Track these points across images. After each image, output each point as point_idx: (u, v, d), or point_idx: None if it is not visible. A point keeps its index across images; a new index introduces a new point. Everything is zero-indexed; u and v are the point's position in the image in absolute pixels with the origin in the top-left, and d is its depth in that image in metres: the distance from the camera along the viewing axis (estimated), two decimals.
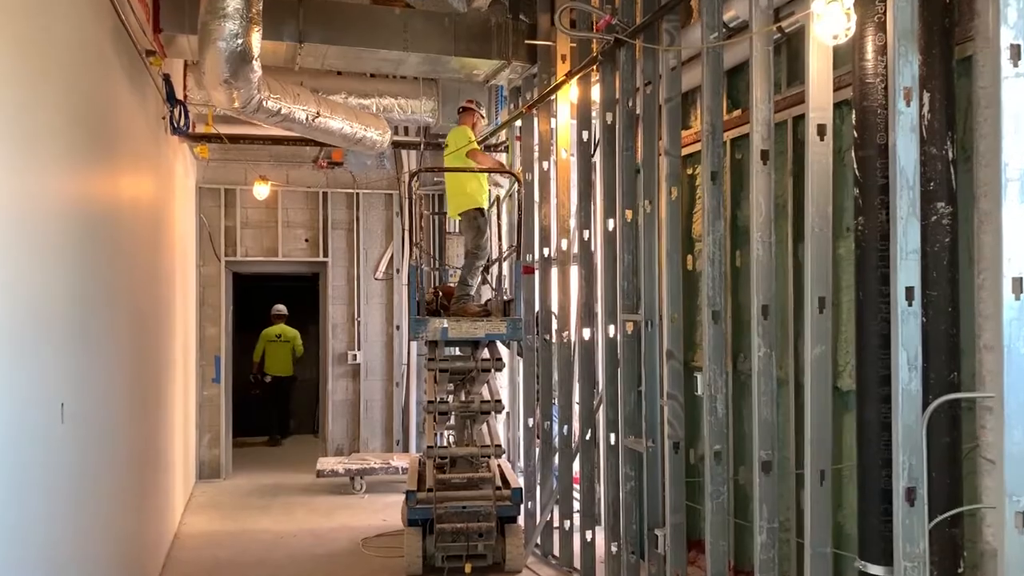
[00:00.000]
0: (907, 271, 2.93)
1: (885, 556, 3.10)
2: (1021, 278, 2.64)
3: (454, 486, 6.07)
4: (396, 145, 8.92)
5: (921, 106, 2.98)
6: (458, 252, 9.06)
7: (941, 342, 3.01)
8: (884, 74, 3.19)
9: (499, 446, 6.16)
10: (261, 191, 9.09)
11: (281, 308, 12.20)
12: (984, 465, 3.22)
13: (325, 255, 9.96)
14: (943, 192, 3.03)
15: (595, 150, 5.91)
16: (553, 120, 6.53)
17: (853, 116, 3.30)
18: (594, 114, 5.87)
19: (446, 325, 6.17)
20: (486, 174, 6.95)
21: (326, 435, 10.17)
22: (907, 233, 2.93)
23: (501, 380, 7.63)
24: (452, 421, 6.89)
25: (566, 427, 6.20)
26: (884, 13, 3.07)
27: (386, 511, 8.18)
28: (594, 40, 5.54)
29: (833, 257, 4.37)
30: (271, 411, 12.25)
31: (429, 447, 6.15)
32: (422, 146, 8.79)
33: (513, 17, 6.75)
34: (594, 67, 5.56)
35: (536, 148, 6.75)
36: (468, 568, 5.89)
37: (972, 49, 3.28)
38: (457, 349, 6.92)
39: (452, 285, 7.33)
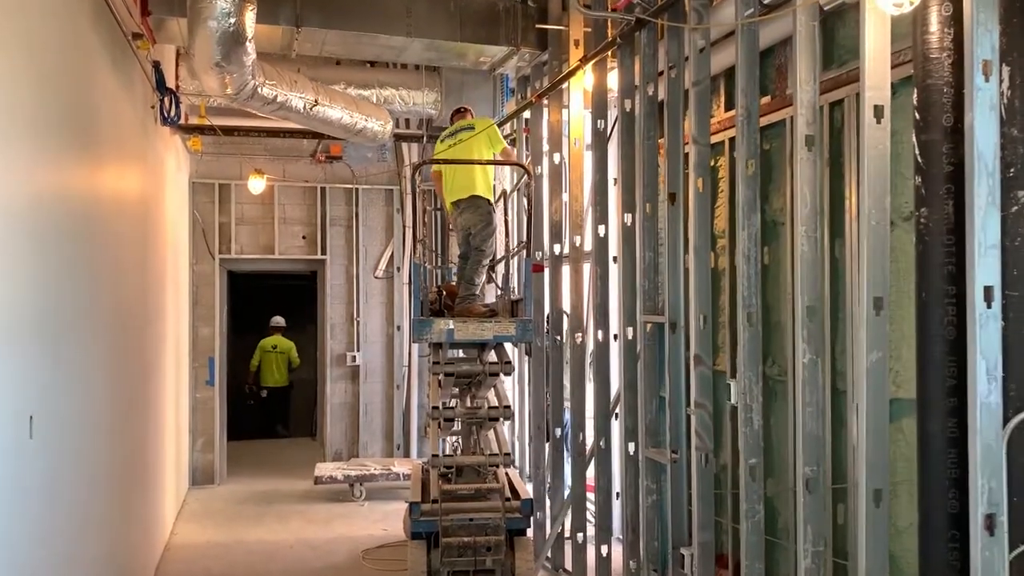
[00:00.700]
0: (986, 268, 2.59)
1: None
2: None
3: (460, 497, 5.70)
4: (397, 138, 8.57)
5: (1000, 82, 2.63)
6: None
7: (1022, 349, 2.66)
8: (951, 48, 2.84)
9: (508, 455, 5.78)
10: (256, 185, 8.72)
11: (279, 320, 12.35)
12: None
13: (323, 253, 9.59)
14: None
15: (608, 140, 5.56)
16: (565, 111, 6.18)
17: (915, 96, 2.95)
18: (610, 102, 5.52)
19: (452, 326, 5.79)
20: (492, 170, 6.57)
21: (324, 439, 9.81)
22: (986, 226, 2.58)
23: (506, 382, 7.28)
24: (457, 426, 6.53)
25: (580, 434, 5.85)
26: None
27: (387, 520, 7.83)
28: (609, 22, 5.19)
29: None
30: (268, 417, 12.50)
31: (434, 456, 5.78)
32: (424, 139, 8.43)
33: (522, 1, 6.39)
34: (611, 52, 5.21)
35: (546, 140, 6.39)
36: None
37: None
38: (461, 351, 6.56)
39: (455, 284, 6.96)
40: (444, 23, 6.25)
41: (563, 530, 6.16)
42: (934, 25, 2.85)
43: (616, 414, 5.83)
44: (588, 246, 5.78)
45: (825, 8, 3.81)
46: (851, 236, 4.25)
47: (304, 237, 9.61)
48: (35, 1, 3.32)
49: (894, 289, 3.88)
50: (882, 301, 2.99)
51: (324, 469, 8.70)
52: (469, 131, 6.19)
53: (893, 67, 3.24)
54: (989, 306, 2.59)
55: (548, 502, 6.25)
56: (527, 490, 6.15)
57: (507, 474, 6.22)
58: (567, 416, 6.38)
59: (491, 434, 6.26)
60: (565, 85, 6.01)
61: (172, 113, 6.53)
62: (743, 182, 3.75)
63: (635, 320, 5.02)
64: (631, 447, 5.05)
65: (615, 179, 6.02)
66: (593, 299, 5.55)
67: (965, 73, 2.66)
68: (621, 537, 5.94)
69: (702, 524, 4.14)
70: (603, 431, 5.46)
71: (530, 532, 6.08)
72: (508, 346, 6.40)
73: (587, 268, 5.81)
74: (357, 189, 9.61)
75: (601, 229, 5.41)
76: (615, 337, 5.80)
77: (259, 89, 5.24)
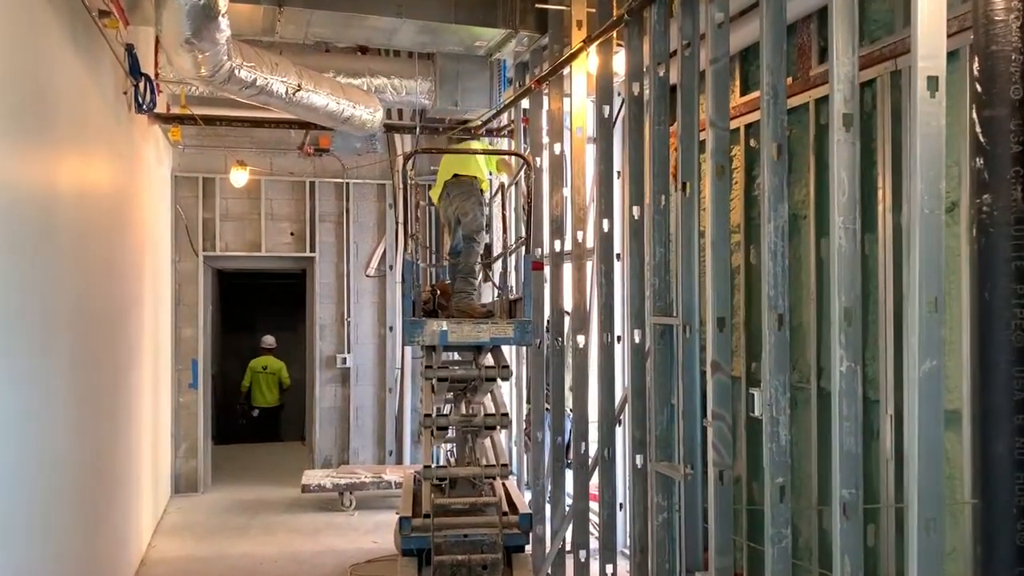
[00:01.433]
0: None
1: None
2: None
3: (454, 511, 5.30)
4: (389, 128, 8.16)
5: None
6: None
7: None
8: (1021, 9, 2.46)
9: (506, 466, 5.38)
10: (239, 178, 8.30)
11: (269, 341, 12.39)
12: None
13: (312, 250, 9.19)
14: None
15: (613, 128, 5.17)
16: (567, 100, 5.78)
17: (975, 66, 2.56)
18: (615, 89, 5.13)
19: (445, 328, 5.38)
20: (485, 164, 6.20)
21: (313, 445, 9.40)
22: None
23: (503, 387, 6.88)
24: (452, 433, 6.14)
25: (582, 443, 5.45)
26: None
27: (378, 532, 7.43)
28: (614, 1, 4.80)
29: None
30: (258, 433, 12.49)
31: (426, 467, 5.37)
32: (417, 130, 8.03)
33: None
34: (616, 32, 4.82)
35: (546, 130, 6.00)
36: None
37: None
38: (456, 354, 6.17)
39: (448, 283, 6.56)
40: (437, 4, 5.87)
41: (564, 544, 5.77)
42: None
43: (620, 420, 5.44)
44: (591, 242, 5.39)
45: None
46: (884, 230, 3.87)
47: (292, 234, 9.20)
48: None
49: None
50: (938, 302, 2.60)
51: (312, 477, 8.30)
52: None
53: None
54: None
55: (548, 515, 5.85)
56: (526, 503, 5.75)
57: (504, 486, 5.83)
58: (568, 423, 5.99)
59: (487, 442, 5.87)
60: (567, 70, 5.62)
61: (148, 100, 6.12)
62: (769, 168, 3.36)
63: (643, 321, 4.63)
64: (639, 459, 4.66)
65: (618, 172, 5.64)
66: (597, 299, 5.16)
67: None
68: (627, 553, 5.55)
69: (720, 547, 3.74)
70: (608, 441, 5.07)
71: (528, 548, 5.70)
72: (506, 349, 6.00)
73: (590, 266, 5.42)
74: (348, 183, 9.20)
75: (606, 223, 5.02)
76: (618, 339, 5.42)
77: (236, 71, 4.83)
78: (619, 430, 5.25)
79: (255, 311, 15.22)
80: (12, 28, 3.38)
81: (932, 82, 2.62)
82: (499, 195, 6.85)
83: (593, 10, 5.17)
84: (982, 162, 2.55)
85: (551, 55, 5.80)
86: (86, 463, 4.73)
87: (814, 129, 4.30)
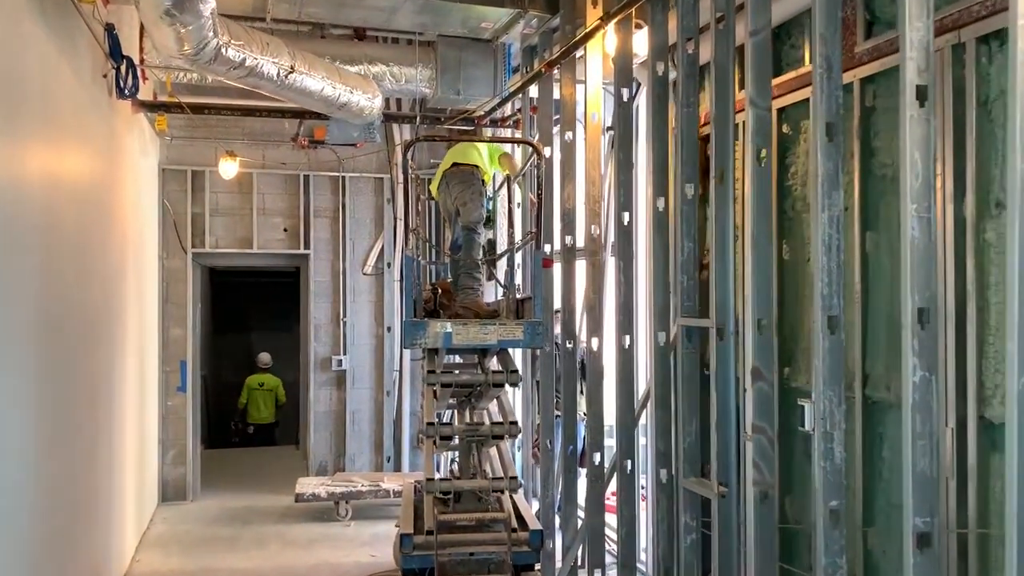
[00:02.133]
0: None
1: None
2: None
3: (459, 528, 4.90)
4: (388, 118, 7.75)
5: None
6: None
7: None
8: None
9: (514, 478, 4.98)
10: (228, 169, 7.88)
11: (265, 359, 12.33)
12: None
13: (306, 247, 8.77)
14: None
15: (633, 113, 4.78)
16: (580, 87, 5.38)
17: None
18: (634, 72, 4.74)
19: (449, 330, 4.96)
20: (488, 155, 5.80)
21: (307, 450, 9.00)
22: None
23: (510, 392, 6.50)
24: (455, 441, 5.73)
25: (596, 453, 5.07)
26: None
27: (375, 544, 7.04)
28: None
29: (976, 244, 3.29)
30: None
31: (428, 480, 4.97)
32: (418, 119, 7.62)
33: None
34: (636, 8, 4.43)
35: (557, 117, 5.61)
36: None
37: None
38: (459, 356, 5.76)
39: (450, 281, 6.16)
40: None
41: (577, 561, 5.38)
42: None
43: (637, 422, 5.05)
44: (610, 237, 5.00)
45: None
46: (943, 221, 3.48)
47: (285, 229, 8.78)
48: None
49: (999, 289, 3.13)
50: None
51: (307, 485, 7.90)
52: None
53: (973, 22, 2.48)
54: None
55: (559, 529, 5.47)
56: (535, 518, 5.35)
57: (513, 499, 5.43)
58: (581, 430, 5.60)
59: (493, 451, 5.47)
60: (580, 52, 5.23)
61: (130, 85, 5.71)
62: (822, 151, 2.97)
63: (668, 323, 4.25)
64: (663, 474, 4.28)
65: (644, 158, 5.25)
66: (616, 299, 4.77)
67: None
68: (644, 571, 5.17)
69: (760, 574, 3.36)
70: (627, 452, 4.68)
71: (539, 566, 5.31)
72: (513, 351, 5.60)
73: (610, 262, 5.03)
74: (344, 177, 8.78)
75: (625, 217, 4.63)
76: (644, 343, 5.03)
77: (224, 50, 4.42)
78: (638, 437, 4.86)
79: (249, 311, 14.84)
80: None
81: None
82: (504, 188, 6.46)
83: None
84: None
85: (563, 36, 5.41)
86: (57, 481, 4.33)
87: (859, 111, 3.91)
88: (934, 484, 2.60)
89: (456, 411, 5.76)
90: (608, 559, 5.11)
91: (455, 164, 5.56)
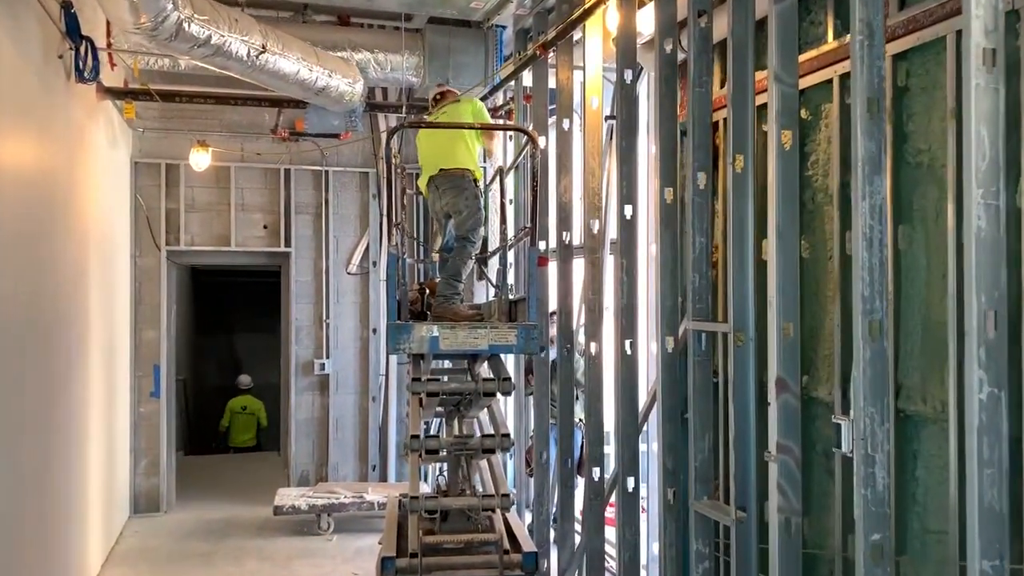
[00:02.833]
0: None
1: None
2: None
3: (447, 551, 4.48)
4: (372, 108, 7.33)
5: None
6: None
7: None
8: None
9: (507, 496, 4.55)
10: (200, 160, 7.42)
11: (245, 380, 12.29)
12: None
13: (287, 244, 8.33)
14: None
15: (637, 97, 4.37)
16: (580, 73, 4.98)
17: None
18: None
19: (436, 334, 4.54)
20: (476, 142, 5.36)
21: (288, 459, 8.55)
22: None
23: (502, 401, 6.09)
24: (444, 452, 5.31)
25: (596, 469, 4.66)
26: None
27: (358, 559, 6.63)
28: None
29: None
30: None
31: (413, 498, 4.54)
32: (404, 109, 7.20)
33: None
34: None
35: (553, 104, 5.21)
36: None
37: None
38: (448, 361, 5.35)
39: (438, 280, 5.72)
40: None
41: None
42: None
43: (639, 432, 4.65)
44: (611, 233, 4.60)
45: None
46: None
47: (265, 227, 8.34)
48: None
49: None
50: None
51: (287, 496, 7.47)
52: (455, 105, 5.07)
53: None
54: None
55: (554, 549, 5.07)
56: (529, 538, 4.94)
57: (505, 518, 5.01)
58: (578, 439, 5.20)
59: (483, 463, 5.05)
60: (579, 35, 4.83)
61: (90, 67, 5.28)
62: (862, 131, 2.57)
63: (676, 327, 3.84)
64: (670, 494, 3.87)
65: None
66: (616, 299, 4.36)
67: None
68: None
69: None
70: (630, 468, 4.27)
71: None
72: (505, 357, 5.18)
73: (609, 260, 4.63)
74: (327, 171, 8.35)
75: (628, 210, 4.23)
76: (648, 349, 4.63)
77: (186, 25, 4.00)
78: (643, 449, 4.46)
79: (232, 311, 14.42)
80: None
81: None
82: (496, 182, 6.04)
83: None
84: None
85: (559, 16, 5.01)
86: (10, 503, 3.90)
87: (891, 92, 3.52)
88: (1003, 521, 2.20)
89: (444, 420, 5.35)
90: None
91: (442, 169, 5.13)
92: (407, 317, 4.87)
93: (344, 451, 8.43)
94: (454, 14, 5.74)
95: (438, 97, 5.36)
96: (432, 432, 7.32)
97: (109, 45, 6.20)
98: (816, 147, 3.94)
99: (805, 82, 3.99)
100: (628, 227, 4.25)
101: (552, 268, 5.40)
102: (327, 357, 8.40)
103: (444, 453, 5.04)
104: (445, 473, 5.32)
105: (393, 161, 4.92)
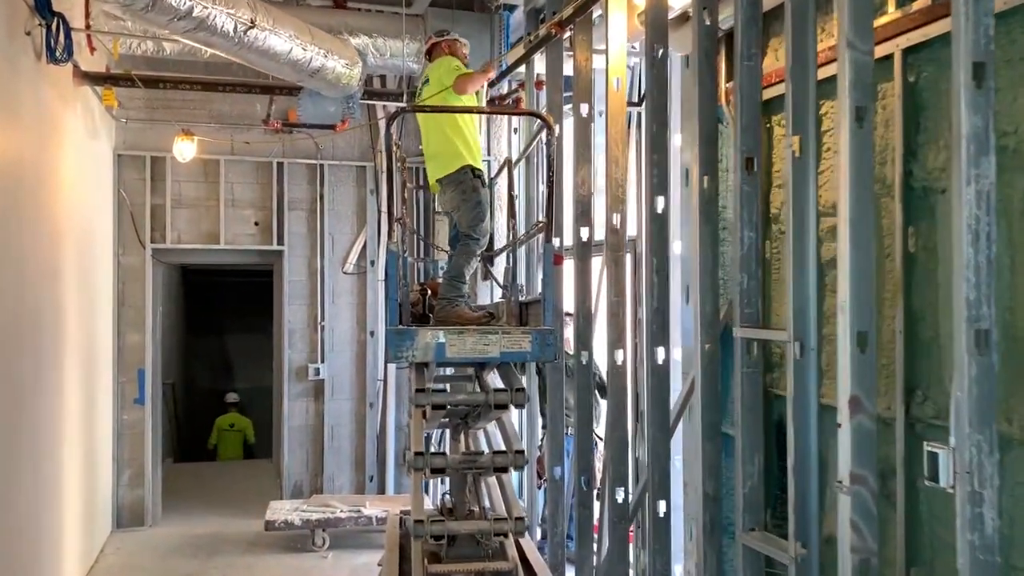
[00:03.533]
0: None
1: None
2: None
3: None
4: (370, 95, 6.89)
5: None
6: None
7: None
8: None
9: (521, 519, 4.09)
10: (185, 150, 6.94)
11: (232, 397, 12.14)
12: None
13: (280, 242, 7.87)
14: None
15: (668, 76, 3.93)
16: (600, 57, 4.53)
17: None
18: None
19: (443, 340, 4.08)
20: (477, 129, 4.89)
21: (281, 469, 8.10)
22: None
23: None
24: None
25: (619, 489, 4.22)
26: None
27: None
28: None
29: None
30: None
31: (417, 522, 4.10)
32: (405, 96, 6.75)
33: None
34: None
35: (569, 88, 4.77)
36: None
37: None
38: (452, 368, 4.90)
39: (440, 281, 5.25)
40: None
41: None
42: None
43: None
44: (641, 227, 4.16)
45: None
46: None
47: (257, 223, 7.88)
48: None
49: None
50: None
51: (279, 510, 7.02)
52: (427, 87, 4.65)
53: None
54: None
55: (570, 570, 4.63)
56: (546, 567, 4.49)
57: (518, 543, 4.56)
58: (599, 457, 4.77)
59: (492, 480, 4.60)
60: (599, 12, 4.39)
61: (62, 47, 4.82)
62: (965, 103, 2.14)
63: (717, 333, 3.41)
64: (707, 519, 3.44)
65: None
66: (648, 302, 3.92)
67: None
68: None
69: None
70: (661, 491, 3.83)
71: None
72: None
73: (628, 259, 4.19)
74: (322, 165, 7.89)
75: (660, 202, 3.79)
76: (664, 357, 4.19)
77: None
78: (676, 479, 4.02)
79: (224, 312, 14.01)
80: None
81: None
82: (504, 172, 5.59)
83: None
84: None
85: None
86: None
87: (901, 89, 3.07)
88: None
89: (450, 433, 4.90)
90: None
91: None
92: (408, 321, 4.42)
93: (340, 461, 7.98)
94: None
95: (429, 51, 5.01)
96: (434, 443, 6.89)
97: (88, 27, 5.75)
98: (871, 132, 3.51)
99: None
100: (659, 221, 3.81)
101: (568, 267, 4.97)
102: (322, 361, 7.95)
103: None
104: (451, 492, 4.86)
105: (394, 150, 4.46)
